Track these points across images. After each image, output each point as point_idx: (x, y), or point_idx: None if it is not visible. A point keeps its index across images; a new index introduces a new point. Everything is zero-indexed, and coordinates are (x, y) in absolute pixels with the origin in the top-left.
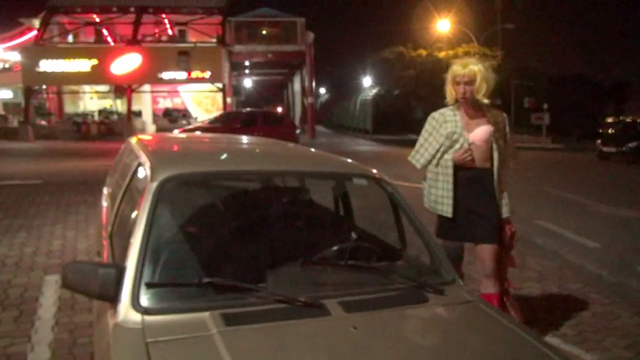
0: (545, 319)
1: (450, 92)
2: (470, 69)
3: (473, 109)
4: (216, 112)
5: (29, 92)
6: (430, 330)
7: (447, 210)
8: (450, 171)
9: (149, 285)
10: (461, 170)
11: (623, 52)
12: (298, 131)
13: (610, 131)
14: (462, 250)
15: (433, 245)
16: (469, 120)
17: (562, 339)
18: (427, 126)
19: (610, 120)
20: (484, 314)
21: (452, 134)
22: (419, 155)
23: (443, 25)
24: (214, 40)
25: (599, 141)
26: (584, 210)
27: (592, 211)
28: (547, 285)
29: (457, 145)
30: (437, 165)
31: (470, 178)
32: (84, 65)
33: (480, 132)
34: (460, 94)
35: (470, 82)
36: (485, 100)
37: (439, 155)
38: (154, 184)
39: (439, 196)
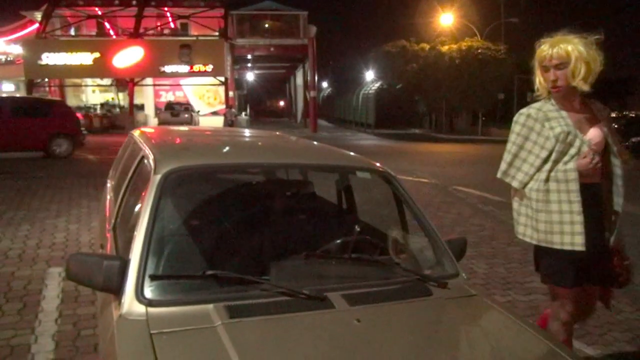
0: None
1: (539, 81)
2: (561, 49)
3: (575, 101)
4: (219, 105)
5: (31, 85)
6: (434, 323)
7: (575, 241)
8: (575, 186)
9: (153, 278)
10: (582, 186)
11: (627, 46)
12: (84, 130)
13: (613, 126)
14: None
15: (436, 239)
16: (578, 117)
17: None
18: (520, 128)
19: (613, 115)
20: (488, 308)
21: (565, 135)
22: (514, 170)
23: (446, 19)
24: (216, 33)
25: None
26: None
27: None
28: None
29: (573, 150)
30: (547, 179)
31: (587, 197)
32: (86, 58)
33: (595, 132)
34: (550, 82)
35: (562, 65)
36: (585, 87)
37: (548, 165)
38: (158, 177)
39: (557, 222)
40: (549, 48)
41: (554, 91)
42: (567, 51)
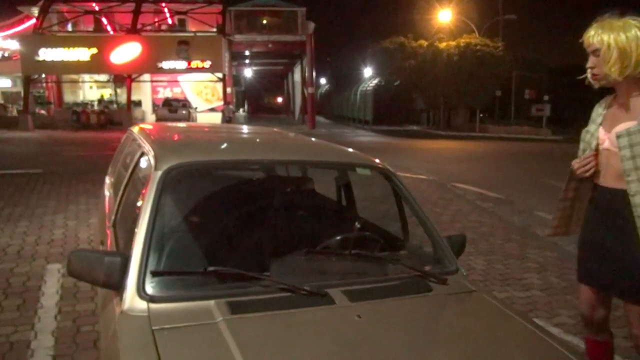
0: (545, 309)
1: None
2: (598, 34)
3: (624, 93)
4: (216, 102)
5: (28, 81)
6: (434, 319)
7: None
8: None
9: (155, 274)
10: (596, 187)
11: None
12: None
13: None
14: (608, 304)
15: (436, 236)
16: (618, 112)
17: (561, 329)
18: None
19: None
20: (487, 303)
21: (584, 133)
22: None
23: (444, 15)
24: (214, 29)
25: None
26: None
27: None
28: (547, 276)
29: (588, 151)
30: None
31: (599, 200)
32: (83, 54)
33: (616, 130)
34: (589, 69)
35: (598, 51)
36: (616, 77)
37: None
38: (159, 173)
39: None
40: (589, 31)
41: (593, 79)
42: (602, 37)
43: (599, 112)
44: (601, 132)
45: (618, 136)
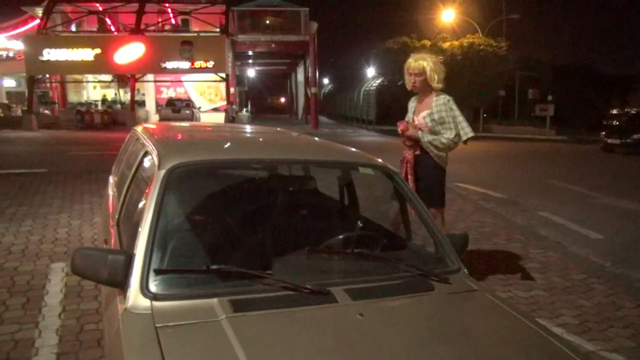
0: (548, 309)
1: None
2: (418, 63)
3: (423, 96)
4: (220, 102)
5: (32, 81)
6: (436, 318)
7: None
8: None
9: (158, 272)
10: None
11: (629, 42)
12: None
13: (614, 123)
14: None
15: (438, 235)
16: (421, 106)
17: (565, 329)
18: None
19: (615, 111)
20: (489, 302)
21: (407, 117)
22: None
23: (447, 15)
24: (217, 29)
25: (603, 133)
26: (587, 201)
27: (595, 203)
28: (550, 276)
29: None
30: None
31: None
32: (87, 54)
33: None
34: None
35: (419, 74)
36: (438, 86)
37: None
38: (162, 172)
39: None
40: (412, 60)
41: (412, 88)
42: (424, 65)
43: (411, 105)
44: (415, 116)
45: (424, 117)
